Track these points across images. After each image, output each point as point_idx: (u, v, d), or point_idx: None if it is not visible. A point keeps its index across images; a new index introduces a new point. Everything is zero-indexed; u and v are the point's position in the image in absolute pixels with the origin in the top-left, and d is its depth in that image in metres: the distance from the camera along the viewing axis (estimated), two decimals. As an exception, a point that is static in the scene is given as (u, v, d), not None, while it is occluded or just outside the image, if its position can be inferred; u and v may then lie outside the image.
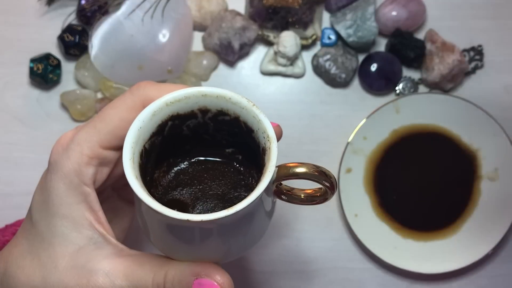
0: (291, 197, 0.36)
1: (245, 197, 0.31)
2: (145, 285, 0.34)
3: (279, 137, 0.36)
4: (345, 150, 0.57)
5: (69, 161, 0.34)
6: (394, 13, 0.60)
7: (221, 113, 0.35)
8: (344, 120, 0.60)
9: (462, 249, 0.57)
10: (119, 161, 0.36)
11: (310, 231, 0.59)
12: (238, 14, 0.60)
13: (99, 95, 0.60)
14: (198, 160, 0.38)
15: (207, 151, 0.38)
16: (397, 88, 0.61)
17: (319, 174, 0.32)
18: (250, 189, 0.36)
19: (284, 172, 0.33)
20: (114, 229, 0.37)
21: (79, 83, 0.60)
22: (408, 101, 0.58)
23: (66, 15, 0.61)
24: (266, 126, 0.33)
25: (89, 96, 0.59)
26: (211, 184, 0.37)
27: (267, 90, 0.61)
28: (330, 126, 0.60)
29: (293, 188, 0.36)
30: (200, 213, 0.35)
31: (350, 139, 0.58)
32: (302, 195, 0.36)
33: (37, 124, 0.60)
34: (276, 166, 0.32)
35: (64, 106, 0.60)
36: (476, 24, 0.62)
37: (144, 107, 0.34)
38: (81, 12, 0.60)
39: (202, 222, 0.29)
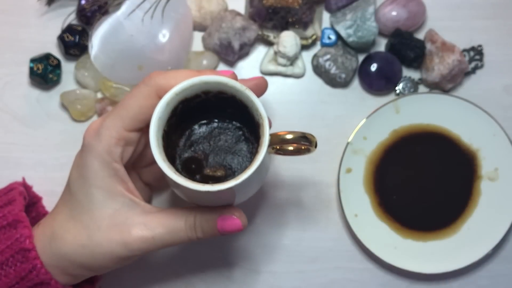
0: (284, 150, 0.44)
1: (246, 149, 0.45)
2: (179, 228, 0.41)
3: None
4: (345, 150, 0.57)
5: (101, 143, 0.40)
6: (394, 13, 0.60)
7: (220, 92, 0.42)
8: (344, 120, 0.60)
9: (462, 249, 0.57)
10: (140, 140, 0.44)
11: (310, 231, 0.59)
12: (238, 14, 0.60)
13: (99, 95, 0.60)
14: (206, 121, 0.46)
15: (212, 114, 0.46)
16: (397, 88, 0.61)
17: (301, 137, 0.41)
18: (250, 142, 0.45)
19: (276, 140, 0.41)
20: None
21: (79, 83, 0.60)
22: (408, 101, 0.58)
23: (66, 15, 0.61)
24: (257, 105, 0.40)
25: (89, 96, 0.59)
26: (218, 140, 0.45)
27: (267, 90, 0.61)
28: (330, 126, 0.60)
29: (283, 144, 0.44)
30: (213, 165, 0.45)
31: (350, 139, 0.58)
32: (291, 147, 0.44)
33: (37, 124, 0.60)
34: (270, 135, 0.40)
35: (64, 106, 0.60)
36: (476, 24, 0.62)
37: (157, 94, 0.41)
38: (81, 12, 0.60)
39: (219, 191, 0.38)
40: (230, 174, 0.44)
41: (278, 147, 0.44)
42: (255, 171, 0.39)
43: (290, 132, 0.41)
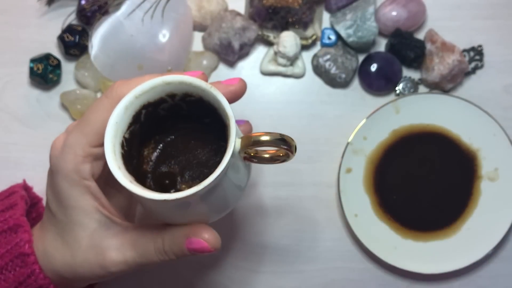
0: (259, 158, 0.39)
1: None
2: (149, 251, 0.40)
3: (248, 132, 0.42)
4: (345, 150, 0.57)
5: (66, 163, 0.39)
6: (394, 13, 0.60)
7: (187, 95, 0.38)
8: (344, 120, 0.60)
9: (462, 249, 0.57)
10: None
11: (310, 231, 0.59)
12: (238, 14, 0.60)
13: (99, 95, 0.60)
14: (182, 133, 0.42)
15: (188, 124, 0.42)
16: (397, 88, 0.61)
17: (279, 140, 0.36)
18: None
19: (248, 142, 0.36)
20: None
21: (79, 83, 0.60)
22: (408, 101, 0.58)
23: (66, 15, 0.61)
24: (224, 105, 0.36)
25: (89, 96, 0.59)
26: (195, 153, 0.41)
27: (267, 90, 0.61)
28: (330, 126, 0.60)
29: (257, 151, 0.39)
30: (188, 181, 0.40)
31: (350, 139, 0.58)
32: (267, 155, 0.40)
33: (37, 124, 0.60)
34: (240, 138, 0.36)
35: (64, 106, 0.60)
36: (476, 24, 0.62)
37: None
38: (81, 12, 0.60)
39: (177, 199, 0.34)
40: None
41: (252, 153, 0.39)
42: (220, 177, 0.34)
43: (265, 134, 0.36)
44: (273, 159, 0.39)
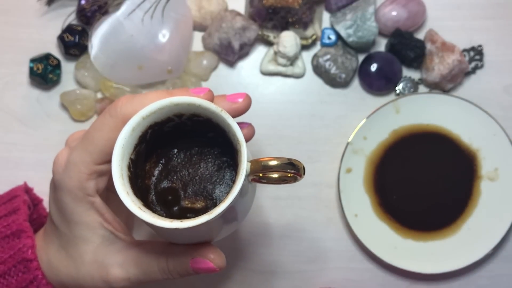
0: (268, 179, 0.39)
1: (229, 176, 0.38)
2: (152, 270, 0.40)
3: (250, 136, 0.41)
4: (345, 150, 0.57)
5: (71, 180, 0.39)
6: (394, 13, 0.60)
7: (195, 115, 0.38)
8: (344, 120, 0.60)
9: (462, 249, 0.57)
10: None
11: (310, 231, 0.59)
12: (238, 14, 0.60)
13: (99, 95, 0.60)
14: (184, 147, 0.42)
15: (191, 139, 0.42)
16: (397, 88, 0.61)
17: (287, 164, 0.36)
18: (234, 169, 0.41)
19: (257, 167, 0.36)
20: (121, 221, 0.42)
21: (79, 83, 0.60)
22: (408, 101, 0.58)
23: (66, 15, 0.61)
24: (235, 130, 0.36)
25: (89, 96, 0.59)
26: (198, 168, 0.41)
27: (267, 90, 0.61)
28: (330, 126, 0.60)
29: (266, 172, 0.39)
30: (191, 196, 0.40)
31: (350, 139, 0.58)
32: (275, 175, 0.39)
33: (37, 124, 0.60)
34: (249, 161, 0.36)
35: (64, 106, 0.60)
36: (476, 24, 0.62)
37: (124, 124, 0.37)
38: (81, 12, 0.60)
39: (188, 228, 0.34)
40: (212, 205, 0.40)
41: (261, 175, 0.38)
42: (231, 204, 0.34)
43: (274, 158, 0.36)
44: (282, 180, 0.39)
